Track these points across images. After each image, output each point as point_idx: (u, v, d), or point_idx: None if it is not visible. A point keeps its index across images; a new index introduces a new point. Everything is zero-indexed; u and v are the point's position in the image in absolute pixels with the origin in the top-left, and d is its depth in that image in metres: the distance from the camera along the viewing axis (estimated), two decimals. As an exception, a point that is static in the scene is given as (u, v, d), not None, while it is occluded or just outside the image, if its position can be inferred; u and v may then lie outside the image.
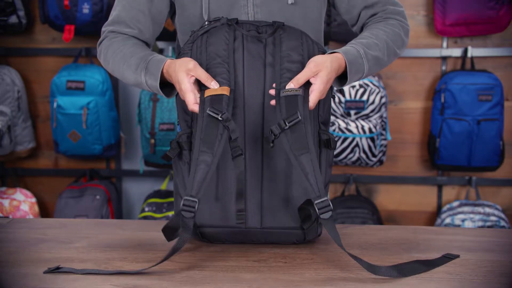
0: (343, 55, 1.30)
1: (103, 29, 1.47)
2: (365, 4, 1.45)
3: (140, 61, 1.35)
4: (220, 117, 1.19)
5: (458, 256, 1.24)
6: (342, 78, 1.34)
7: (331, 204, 1.16)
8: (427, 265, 1.19)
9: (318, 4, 1.43)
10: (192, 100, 1.24)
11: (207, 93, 1.24)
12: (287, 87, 1.24)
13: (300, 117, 1.19)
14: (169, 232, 1.26)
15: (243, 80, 1.29)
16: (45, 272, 1.16)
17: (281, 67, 1.28)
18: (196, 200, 1.15)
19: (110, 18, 1.46)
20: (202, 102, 1.24)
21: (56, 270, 1.16)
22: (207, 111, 1.20)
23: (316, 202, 1.15)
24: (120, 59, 1.38)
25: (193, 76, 1.25)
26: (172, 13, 1.49)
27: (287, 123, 1.19)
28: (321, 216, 1.15)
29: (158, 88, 1.32)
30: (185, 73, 1.25)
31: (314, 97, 1.24)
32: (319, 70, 1.24)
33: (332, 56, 1.28)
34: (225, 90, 1.24)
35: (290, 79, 1.25)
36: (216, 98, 1.23)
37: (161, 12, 1.46)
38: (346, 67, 1.29)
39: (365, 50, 1.33)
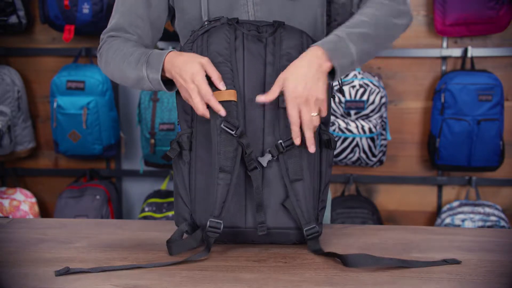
0: (320, 46, 1.26)
1: (102, 36, 1.44)
2: None
3: (140, 56, 1.33)
4: (235, 133, 1.22)
5: (459, 262, 1.21)
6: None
7: (319, 229, 1.27)
8: (404, 262, 1.19)
9: None
10: (209, 91, 1.22)
11: (215, 97, 1.24)
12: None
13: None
14: (174, 246, 1.26)
15: (243, 80, 1.28)
16: (57, 275, 1.15)
17: (280, 65, 1.27)
18: (221, 221, 1.22)
19: (108, 25, 1.44)
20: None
21: (66, 273, 1.15)
22: (222, 126, 1.22)
23: (305, 228, 1.25)
24: (120, 58, 1.36)
25: (205, 71, 1.24)
26: (171, 17, 1.48)
27: (284, 147, 1.24)
28: (309, 242, 1.27)
29: (160, 80, 1.30)
30: (200, 65, 1.24)
31: (289, 106, 1.22)
32: (286, 78, 1.23)
33: (303, 57, 1.25)
34: (233, 95, 1.24)
35: None
36: (227, 105, 1.23)
37: (159, 17, 1.44)
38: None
39: (348, 31, 1.29)
